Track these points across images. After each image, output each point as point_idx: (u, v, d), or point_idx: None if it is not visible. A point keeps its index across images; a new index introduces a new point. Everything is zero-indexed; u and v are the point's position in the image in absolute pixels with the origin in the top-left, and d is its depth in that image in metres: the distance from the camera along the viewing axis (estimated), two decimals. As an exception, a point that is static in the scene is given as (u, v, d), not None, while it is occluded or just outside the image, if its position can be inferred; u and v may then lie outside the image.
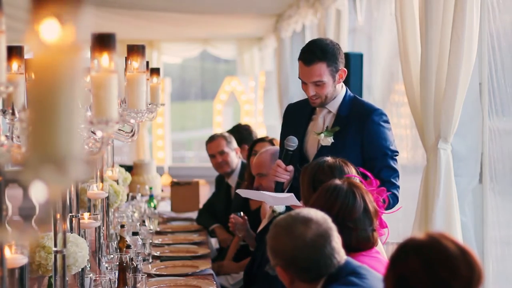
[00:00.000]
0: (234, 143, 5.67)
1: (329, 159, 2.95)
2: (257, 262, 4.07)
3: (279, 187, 3.47)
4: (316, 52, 3.41)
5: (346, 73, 3.54)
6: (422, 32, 3.47)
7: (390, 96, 5.15)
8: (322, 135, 3.48)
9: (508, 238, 3.58)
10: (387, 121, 3.49)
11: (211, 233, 5.43)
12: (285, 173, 3.44)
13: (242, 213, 4.63)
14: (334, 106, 3.52)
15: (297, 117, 3.66)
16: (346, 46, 5.70)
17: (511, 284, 3.51)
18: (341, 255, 2.21)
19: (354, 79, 5.19)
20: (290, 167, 3.45)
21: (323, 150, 3.46)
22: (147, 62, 3.31)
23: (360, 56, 5.31)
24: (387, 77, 5.24)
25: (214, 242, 5.59)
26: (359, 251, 2.51)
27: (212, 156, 5.66)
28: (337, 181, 2.60)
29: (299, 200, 3.24)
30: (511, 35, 3.52)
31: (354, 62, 5.22)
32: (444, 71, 3.34)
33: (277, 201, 3.46)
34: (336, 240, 2.20)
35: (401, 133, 4.86)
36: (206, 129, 12.06)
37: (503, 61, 3.41)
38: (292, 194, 3.29)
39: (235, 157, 5.63)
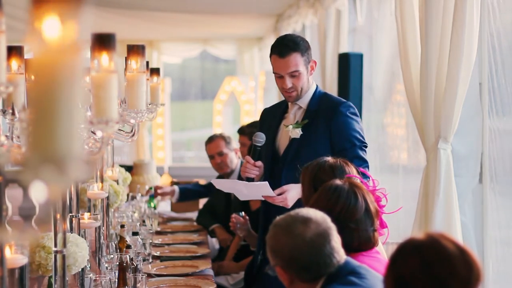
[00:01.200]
0: (234, 143, 5.67)
1: (329, 159, 2.95)
2: (258, 261, 4.06)
3: None
4: (289, 44, 3.53)
5: (316, 64, 3.63)
6: (422, 32, 3.47)
7: (390, 96, 5.15)
8: (290, 126, 3.57)
9: (508, 238, 3.58)
10: (355, 114, 3.55)
11: (211, 233, 5.43)
12: (254, 169, 3.55)
13: (243, 213, 4.64)
14: (304, 101, 3.62)
15: (271, 118, 3.76)
16: (346, 46, 5.70)
17: (511, 284, 3.51)
18: (341, 255, 2.21)
19: (354, 79, 5.20)
20: (259, 163, 3.56)
21: (293, 143, 3.57)
22: (147, 62, 3.30)
23: (360, 56, 5.31)
24: (387, 77, 5.24)
25: (215, 242, 5.60)
26: (359, 251, 2.51)
27: (211, 157, 5.65)
28: (338, 181, 2.60)
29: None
30: (511, 34, 3.52)
31: (354, 62, 5.22)
32: (444, 71, 3.34)
33: (251, 191, 3.46)
34: (336, 240, 2.19)
35: (401, 133, 4.86)
36: (206, 129, 12.06)
37: (503, 60, 3.41)
38: (267, 182, 3.36)
39: (235, 158, 5.63)
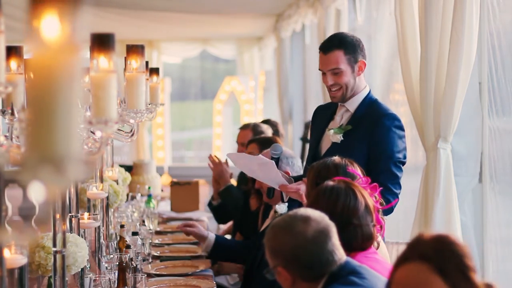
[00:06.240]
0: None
1: (335, 158, 2.92)
2: (257, 261, 4.06)
3: (270, 192, 3.65)
4: (334, 41, 3.45)
5: (366, 66, 3.50)
6: (422, 32, 3.46)
7: (389, 95, 5.15)
8: (331, 131, 3.47)
9: (508, 238, 3.58)
10: (399, 127, 3.39)
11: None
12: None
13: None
14: (352, 105, 3.49)
15: (322, 117, 3.67)
16: (345, 46, 5.70)
17: (511, 284, 3.51)
18: (341, 253, 2.21)
19: (353, 78, 5.20)
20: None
21: (333, 147, 3.47)
22: (147, 62, 3.30)
23: (360, 56, 5.31)
24: (386, 77, 5.24)
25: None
26: (358, 250, 2.51)
27: (242, 145, 5.33)
28: (331, 182, 2.59)
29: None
30: (511, 34, 3.52)
31: (353, 62, 5.21)
32: (443, 70, 3.34)
33: (262, 170, 3.44)
34: (336, 237, 2.20)
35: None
36: (206, 129, 12.07)
37: (503, 60, 3.41)
38: (273, 161, 3.39)
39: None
